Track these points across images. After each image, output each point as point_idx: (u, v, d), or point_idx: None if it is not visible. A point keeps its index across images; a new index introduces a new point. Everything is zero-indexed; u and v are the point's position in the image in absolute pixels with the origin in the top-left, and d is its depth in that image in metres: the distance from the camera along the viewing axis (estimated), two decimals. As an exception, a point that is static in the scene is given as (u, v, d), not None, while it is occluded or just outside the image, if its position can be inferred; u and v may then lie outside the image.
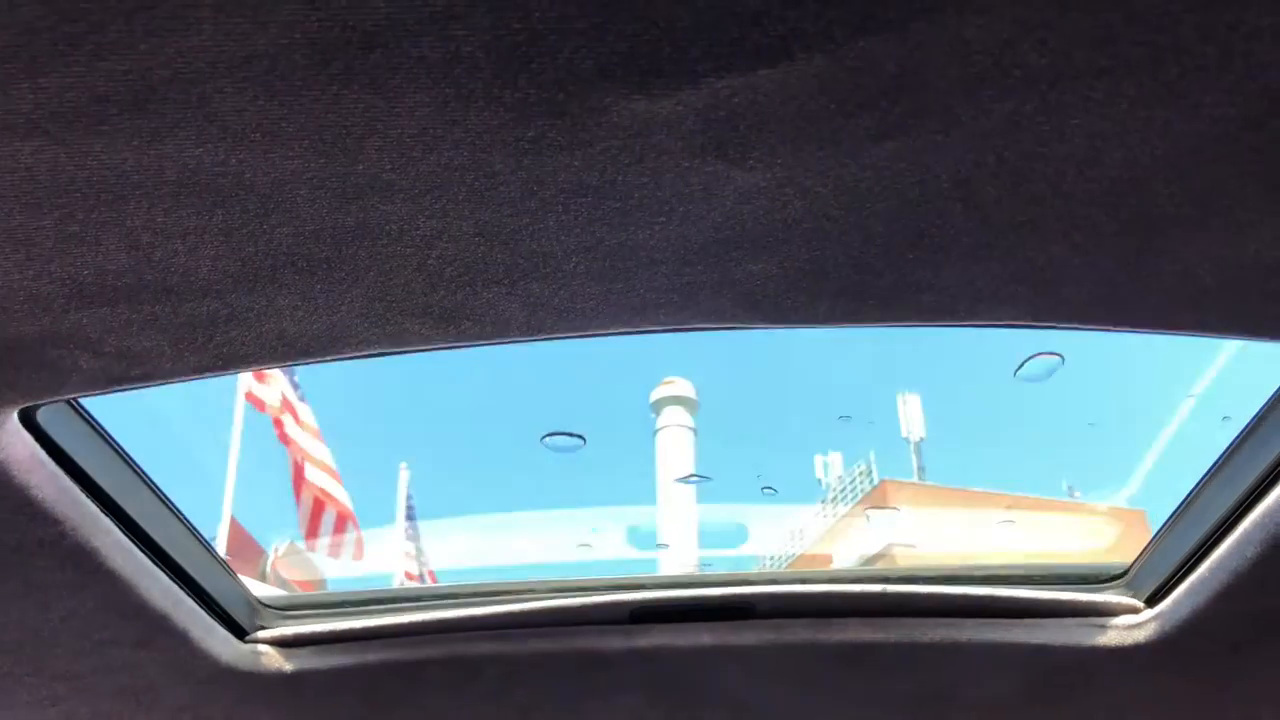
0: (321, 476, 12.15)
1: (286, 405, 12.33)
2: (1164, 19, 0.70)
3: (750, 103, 0.76)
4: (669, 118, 0.77)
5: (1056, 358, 1.43)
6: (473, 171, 0.83)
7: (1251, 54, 0.73)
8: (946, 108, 0.78)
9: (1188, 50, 0.73)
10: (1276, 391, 1.35)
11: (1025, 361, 1.46)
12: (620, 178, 0.84)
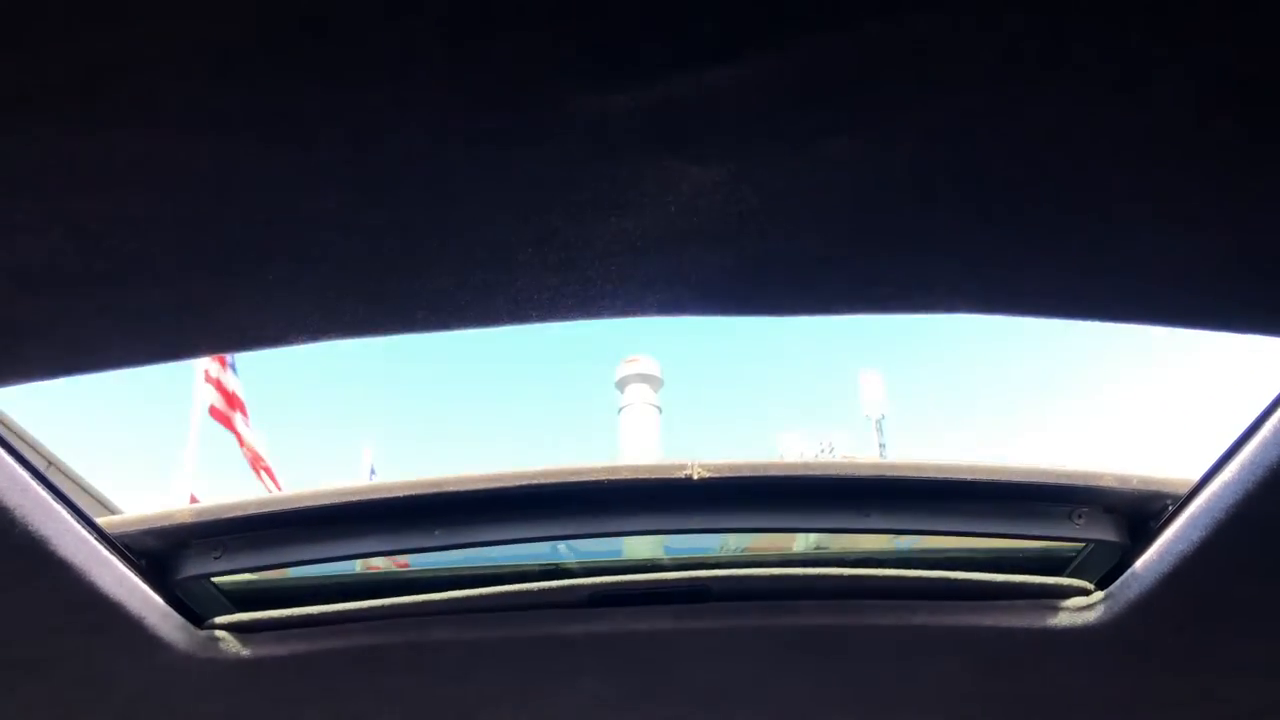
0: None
1: (234, 403, 12.92)
2: (1110, 18, 0.71)
3: (702, 99, 0.76)
4: (622, 113, 0.77)
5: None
6: (426, 162, 0.83)
7: (1196, 56, 0.74)
8: (899, 104, 0.78)
9: (1133, 49, 0.74)
10: None
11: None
12: (574, 171, 0.84)
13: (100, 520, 1.53)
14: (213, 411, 13.25)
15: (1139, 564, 1.60)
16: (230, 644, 1.71)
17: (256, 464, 13.57)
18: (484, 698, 1.86)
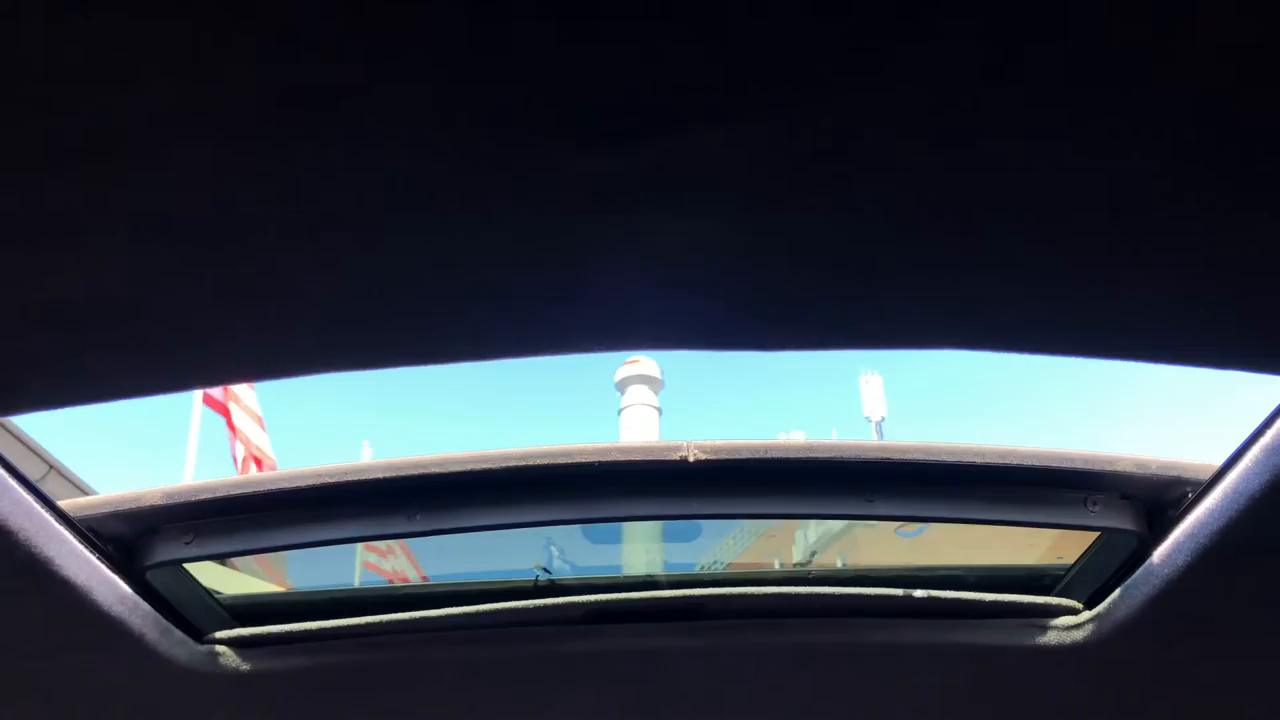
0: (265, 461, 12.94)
1: (230, 394, 12.86)
2: (1086, 79, 0.73)
3: (690, 160, 0.79)
4: (612, 172, 0.80)
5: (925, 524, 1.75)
6: (424, 214, 0.85)
7: (1165, 114, 0.77)
8: (882, 163, 0.81)
9: (1109, 108, 0.76)
10: None
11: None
12: (566, 221, 0.87)
13: (64, 503, 1.48)
14: (207, 398, 13.14)
15: (1126, 584, 1.61)
16: (230, 658, 1.72)
17: (247, 461, 13.45)
18: (481, 714, 1.88)
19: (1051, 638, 1.71)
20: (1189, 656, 1.70)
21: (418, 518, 1.58)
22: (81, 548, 1.47)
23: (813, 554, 3.50)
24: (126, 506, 1.55)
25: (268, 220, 0.86)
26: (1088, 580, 1.72)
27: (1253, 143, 0.81)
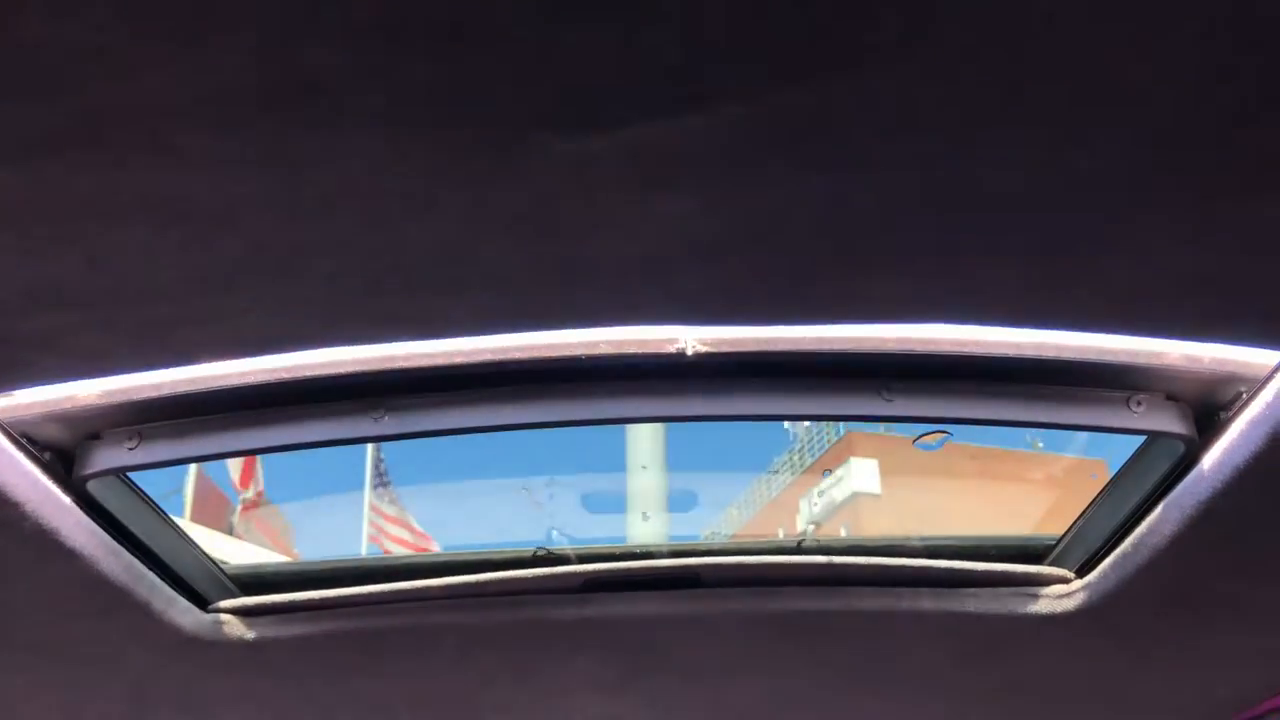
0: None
1: None
2: (1062, 70, 0.75)
3: (674, 143, 0.81)
4: (600, 155, 0.82)
5: (946, 434, 1.67)
6: (418, 197, 0.87)
7: (1141, 102, 0.78)
8: (860, 147, 0.82)
9: (1086, 98, 0.78)
10: None
11: (920, 436, 1.73)
12: (558, 203, 0.89)
13: None
14: None
15: (1115, 554, 1.62)
16: (235, 626, 1.75)
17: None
18: (483, 680, 1.92)
19: (1042, 606, 1.73)
20: (1175, 625, 1.72)
21: (385, 419, 1.44)
22: (88, 520, 1.47)
23: (813, 524, 3.52)
24: (60, 408, 1.40)
25: (267, 203, 0.88)
26: (1079, 550, 1.74)
27: (1232, 127, 0.82)
